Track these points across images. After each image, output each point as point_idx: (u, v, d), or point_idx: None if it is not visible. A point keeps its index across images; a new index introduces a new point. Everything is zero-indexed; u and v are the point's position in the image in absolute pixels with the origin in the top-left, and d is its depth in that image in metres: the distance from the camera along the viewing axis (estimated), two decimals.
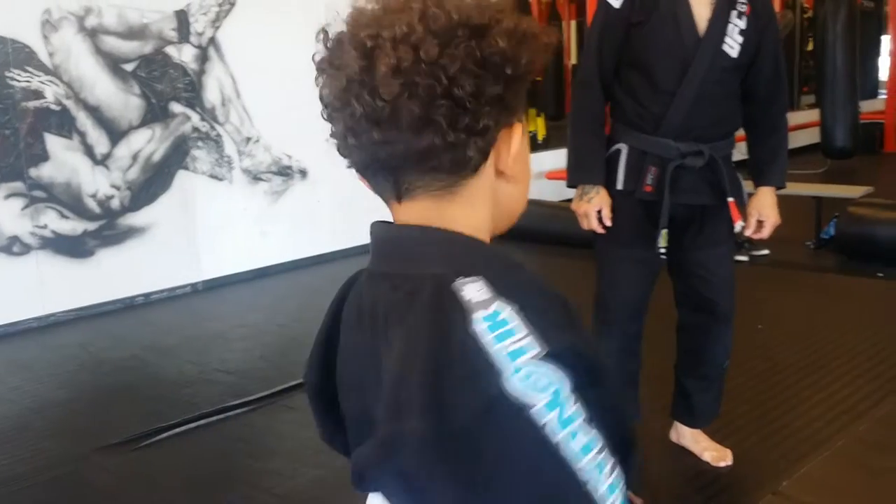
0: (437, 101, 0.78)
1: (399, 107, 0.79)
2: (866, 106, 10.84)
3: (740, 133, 2.72)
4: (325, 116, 0.87)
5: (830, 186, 6.94)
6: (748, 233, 2.67)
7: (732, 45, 2.46)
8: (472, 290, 0.77)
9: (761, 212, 2.67)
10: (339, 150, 0.88)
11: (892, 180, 6.96)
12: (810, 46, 12.31)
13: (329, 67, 0.86)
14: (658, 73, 2.47)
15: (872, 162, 9.79)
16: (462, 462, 0.72)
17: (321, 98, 0.87)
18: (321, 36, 0.87)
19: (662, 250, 2.66)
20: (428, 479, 0.74)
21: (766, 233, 2.70)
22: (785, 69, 2.63)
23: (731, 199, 2.58)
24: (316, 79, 0.88)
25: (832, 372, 3.72)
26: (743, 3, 2.46)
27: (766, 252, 5.87)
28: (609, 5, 2.43)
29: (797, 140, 10.88)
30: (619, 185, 2.58)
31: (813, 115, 10.52)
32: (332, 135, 0.87)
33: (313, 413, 0.95)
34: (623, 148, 2.58)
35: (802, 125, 10.87)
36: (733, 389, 3.56)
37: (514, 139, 0.86)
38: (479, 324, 0.74)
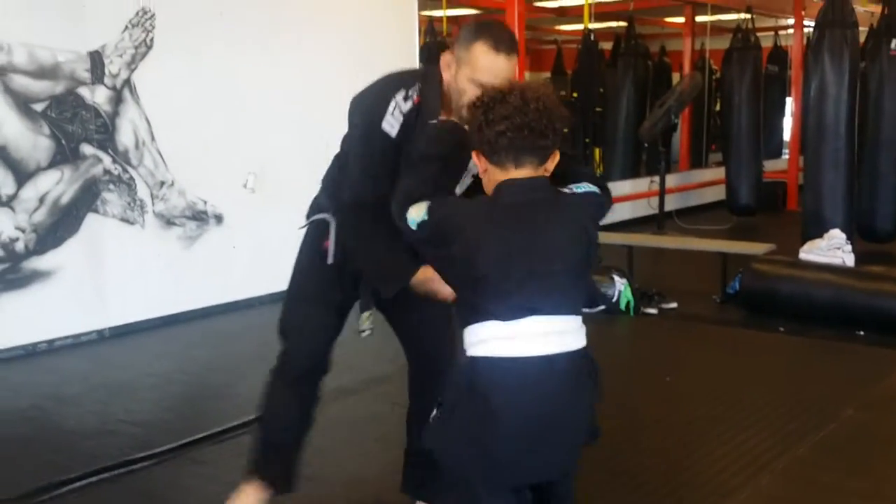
0: (551, 126, 1.82)
1: (537, 123, 1.79)
2: (770, 165, 11.29)
3: None
4: (483, 125, 1.83)
5: (735, 243, 7.19)
6: None
7: (462, 183, 2.51)
8: (568, 191, 1.91)
9: None
10: (486, 141, 1.84)
11: (793, 238, 7.23)
12: (718, 106, 12.79)
13: (494, 104, 1.82)
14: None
15: (775, 219, 10.17)
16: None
17: (489, 115, 1.82)
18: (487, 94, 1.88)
19: (367, 332, 2.65)
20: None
21: None
22: None
23: None
24: (480, 109, 1.85)
25: (737, 424, 3.82)
26: None
27: (674, 305, 6.02)
28: (387, 135, 2.38)
29: (704, 197, 11.27)
30: (330, 259, 2.61)
31: (720, 172, 10.90)
32: (485, 137, 1.83)
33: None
34: (332, 221, 2.61)
35: (709, 182, 11.26)
36: (640, 441, 3.63)
37: (556, 156, 1.88)
38: (577, 195, 1.91)
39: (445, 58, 2.39)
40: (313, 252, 2.67)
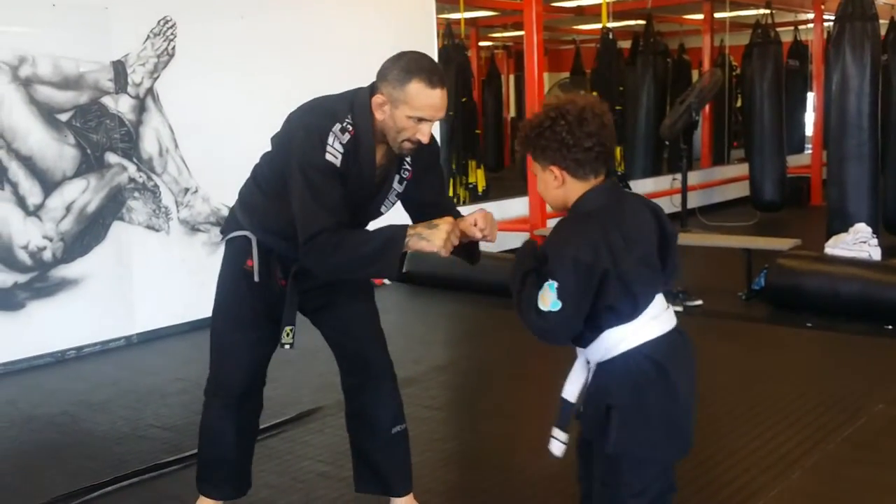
0: (615, 141, 2.05)
1: (610, 139, 2.01)
2: (793, 160, 11.22)
3: None
4: (570, 144, 1.98)
5: (760, 239, 7.15)
6: (480, 236, 2.47)
7: (387, 204, 2.63)
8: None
9: (475, 218, 2.49)
10: (574, 158, 1.99)
11: (818, 232, 7.18)
12: (739, 103, 12.72)
13: (575, 124, 1.97)
14: None
15: (800, 214, 10.11)
16: None
17: (576, 134, 1.97)
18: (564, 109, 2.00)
19: (288, 345, 2.67)
20: None
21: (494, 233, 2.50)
22: (445, 180, 2.79)
23: None
24: (564, 128, 1.98)
25: (765, 421, 3.80)
26: (407, 170, 2.61)
27: (699, 302, 5.99)
28: (332, 164, 2.40)
29: (728, 193, 11.21)
30: (257, 278, 2.65)
31: (742, 169, 10.84)
32: (572, 155, 1.99)
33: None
34: (253, 238, 2.66)
35: (732, 179, 11.20)
36: None
37: None
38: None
39: (377, 99, 2.41)
40: (236, 271, 2.70)
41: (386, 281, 2.66)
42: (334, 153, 2.40)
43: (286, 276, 2.65)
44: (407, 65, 2.39)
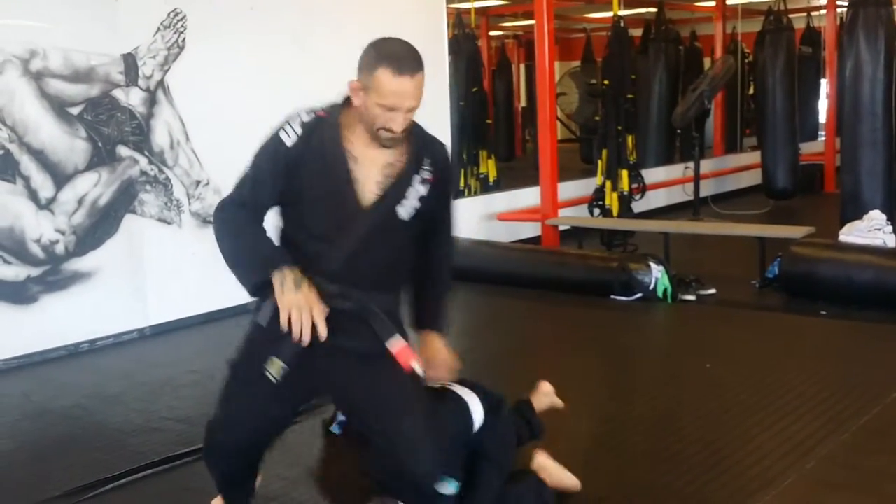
0: None
1: None
2: (806, 148, 11.15)
3: None
4: None
5: (774, 227, 7.11)
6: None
7: (408, 208, 2.44)
8: None
9: (436, 356, 2.57)
10: None
11: (832, 220, 7.14)
12: (752, 90, 12.64)
13: None
14: (312, 221, 2.44)
15: (813, 202, 10.05)
16: None
17: None
18: None
19: (270, 376, 2.46)
20: None
21: (443, 372, 2.60)
22: (453, 229, 2.64)
23: (402, 345, 2.44)
24: None
25: (779, 409, 3.78)
26: (428, 171, 2.46)
27: (712, 291, 5.97)
28: (281, 141, 2.38)
29: (740, 181, 11.16)
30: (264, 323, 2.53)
31: (755, 156, 10.79)
32: None
33: None
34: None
35: (745, 167, 11.15)
36: (682, 428, 3.60)
37: None
38: None
39: (354, 85, 2.36)
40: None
41: None
42: (290, 131, 2.39)
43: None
44: (377, 51, 2.33)
